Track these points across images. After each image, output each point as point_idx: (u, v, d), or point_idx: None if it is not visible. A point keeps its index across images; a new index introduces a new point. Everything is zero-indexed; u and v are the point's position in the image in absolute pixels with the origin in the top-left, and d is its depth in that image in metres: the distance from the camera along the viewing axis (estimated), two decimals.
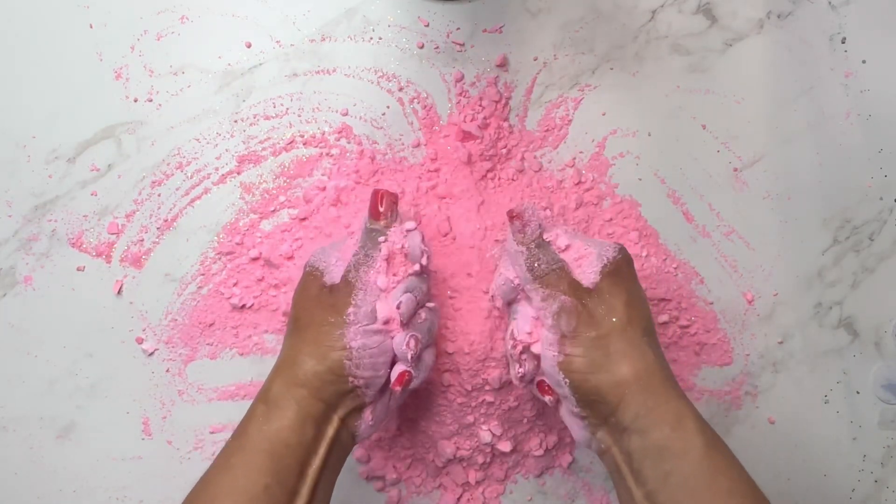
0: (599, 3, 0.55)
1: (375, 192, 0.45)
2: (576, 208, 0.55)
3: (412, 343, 0.42)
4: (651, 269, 0.56)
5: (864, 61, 0.56)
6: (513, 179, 0.55)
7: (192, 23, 0.54)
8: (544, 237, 0.46)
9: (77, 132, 0.54)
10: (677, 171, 0.56)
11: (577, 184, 0.56)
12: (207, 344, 0.55)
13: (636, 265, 0.46)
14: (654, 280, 0.56)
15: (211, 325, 0.55)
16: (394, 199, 0.46)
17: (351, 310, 0.42)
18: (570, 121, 0.56)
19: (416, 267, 0.44)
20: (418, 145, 0.55)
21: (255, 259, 0.54)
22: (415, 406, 0.53)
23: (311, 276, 0.45)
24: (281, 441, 0.41)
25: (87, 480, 0.55)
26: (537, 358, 0.45)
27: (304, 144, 0.55)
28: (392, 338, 0.43)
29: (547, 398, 0.45)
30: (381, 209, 0.45)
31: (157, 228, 0.55)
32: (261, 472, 0.40)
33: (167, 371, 0.55)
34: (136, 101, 0.54)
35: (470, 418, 0.52)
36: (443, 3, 0.55)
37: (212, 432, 0.55)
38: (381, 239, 0.44)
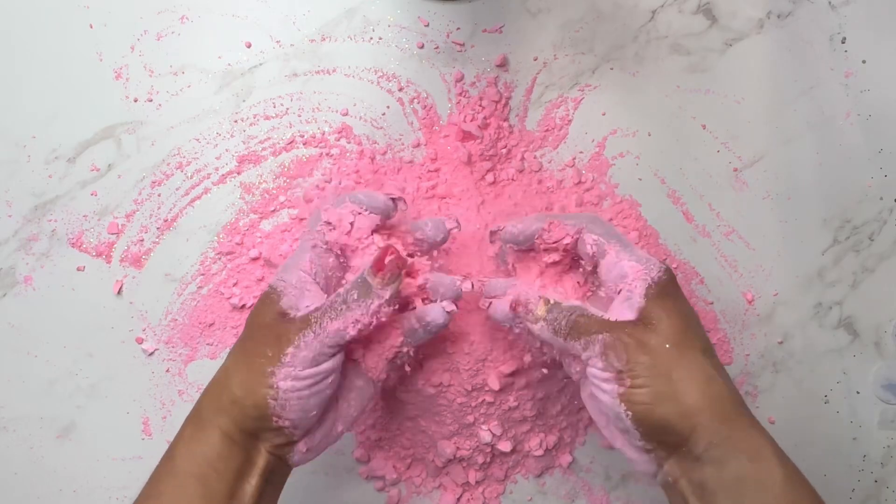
0: (599, 3, 0.55)
1: (385, 248, 0.41)
2: (576, 208, 0.55)
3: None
4: None
5: (864, 61, 0.56)
6: (513, 179, 0.55)
7: (192, 23, 0.55)
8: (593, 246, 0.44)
9: (77, 132, 0.54)
10: (677, 171, 0.56)
11: (577, 184, 0.56)
12: (207, 344, 0.55)
13: None
14: None
15: (211, 325, 0.55)
16: (400, 265, 0.41)
17: (290, 349, 0.39)
18: (570, 121, 0.56)
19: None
20: (418, 145, 0.55)
21: (255, 259, 0.54)
22: (415, 406, 0.53)
23: (268, 296, 0.42)
24: (209, 465, 0.39)
25: (87, 480, 0.55)
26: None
27: (304, 144, 0.55)
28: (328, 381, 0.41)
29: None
30: (384, 269, 0.40)
31: (157, 228, 0.55)
32: (192, 500, 0.38)
33: (167, 371, 0.55)
34: (136, 101, 0.54)
35: (470, 418, 0.52)
36: (443, 3, 0.55)
37: None
38: (373, 302, 0.40)
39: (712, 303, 0.57)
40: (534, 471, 0.56)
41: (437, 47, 0.55)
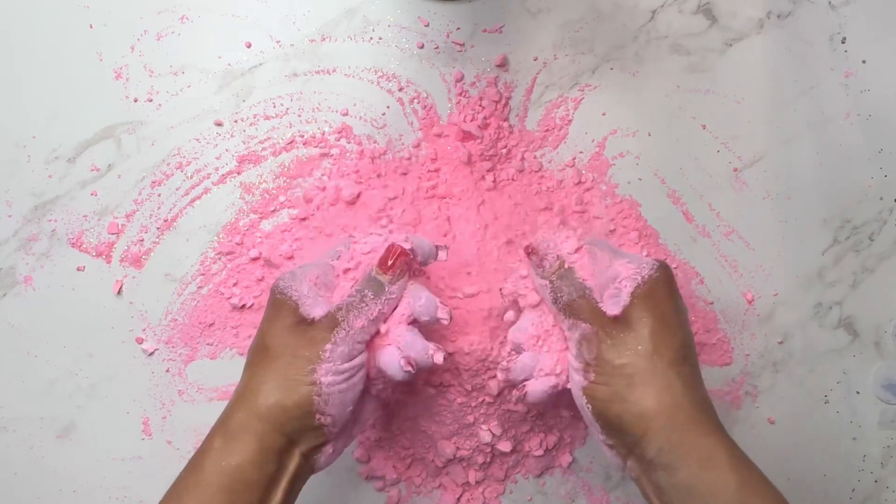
0: (599, 3, 0.55)
1: (390, 247, 0.44)
2: (576, 208, 0.55)
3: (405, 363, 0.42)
4: None
5: (864, 61, 0.56)
6: (513, 179, 0.55)
7: (192, 23, 0.55)
8: (569, 262, 0.45)
9: (77, 132, 0.54)
10: (677, 171, 0.56)
11: (577, 184, 0.56)
12: (207, 344, 0.55)
13: None
14: None
15: (211, 325, 0.55)
16: (406, 260, 0.44)
17: (328, 346, 0.41)
18: (570, 121, 0.56)
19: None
20: (418, 145, 0.55)
21: (255, 259, 0.54)
22: (415, 406, 0.53)
23: (284, 304, 0.43)
24: (240, 477, 0.39)
25: (87, 480, 0.55)
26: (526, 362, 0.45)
27: (304, 144, 0.55)
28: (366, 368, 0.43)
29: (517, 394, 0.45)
30: (390, 264, 0.43)
31: (157, 228, 0.55)
32: None
33: (167, 371, 0.55)
34: (136, 101, 0.54)
35: (470, 418, 0.52)
36: (443, 3, 0.55)
37: None
38: (390, 293, 0.43)
39: (712, 303, 0.57)
40: (534, 471, 0.56)
41: (437, 47, 0.55)
